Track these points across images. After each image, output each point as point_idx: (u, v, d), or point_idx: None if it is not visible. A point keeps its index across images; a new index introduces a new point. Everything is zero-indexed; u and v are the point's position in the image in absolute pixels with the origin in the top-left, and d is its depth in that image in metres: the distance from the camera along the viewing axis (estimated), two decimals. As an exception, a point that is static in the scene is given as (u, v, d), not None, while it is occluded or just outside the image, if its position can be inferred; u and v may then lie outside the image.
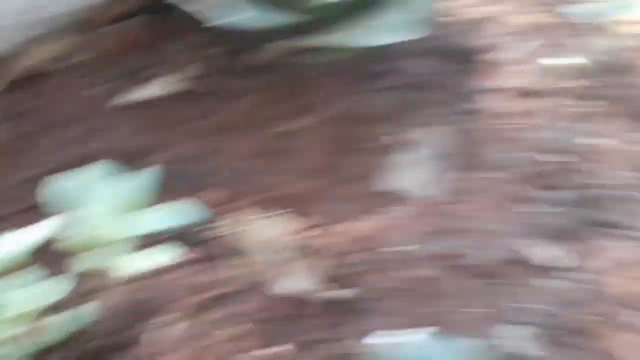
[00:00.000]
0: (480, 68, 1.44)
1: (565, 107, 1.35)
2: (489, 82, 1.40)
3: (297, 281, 1.01)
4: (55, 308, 0.91)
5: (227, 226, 1.10)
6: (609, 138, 1.30)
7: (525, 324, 0.97)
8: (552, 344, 0.95)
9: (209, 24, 1.26)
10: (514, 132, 1.29)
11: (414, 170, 1.23)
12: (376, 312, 0.98)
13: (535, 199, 1.17)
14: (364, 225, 1.12)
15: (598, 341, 0.95)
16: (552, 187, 1.19)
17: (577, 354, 0.94)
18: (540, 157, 1.24)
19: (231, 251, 1.06)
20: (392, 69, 1.42)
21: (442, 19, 1.55)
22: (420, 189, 1.20)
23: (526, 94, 1.37)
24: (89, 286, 0.96)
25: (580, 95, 1.38)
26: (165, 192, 1.02)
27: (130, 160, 1.14)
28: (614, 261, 1.07)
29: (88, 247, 0.92)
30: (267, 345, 0.94)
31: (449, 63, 1.45)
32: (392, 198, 1.18)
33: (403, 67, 1.42)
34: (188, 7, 1.28)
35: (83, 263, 0.93)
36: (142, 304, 0.99)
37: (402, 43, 1.40)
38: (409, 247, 1.08)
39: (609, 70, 1.44)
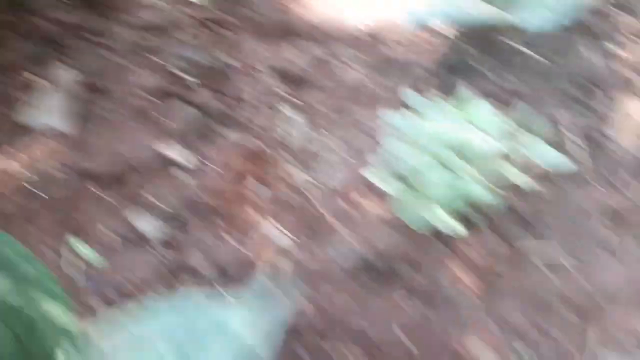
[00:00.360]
0: (114, 10, 1.53)
1: (197, 35, 1.51)
2: (120, 18, 1.51)
3: None
4: None
5: None
6: (237, 57, 1.49)
7: (158, 211, 1.13)
8: (184, 227, 1.12)
9: None
10: (149, 61, 1.42)
11: (52, 105, 1.30)
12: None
13: (170, 110, 1.32)
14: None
15: (235, 218, 1.16)
16: (186, 101, 1.35)
17: (213, 231, 1.13)
18: (177, 75, 1.39)
19: None
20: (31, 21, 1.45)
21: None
22: (57, 121, 1.28)
23: (158, 26, 1.51)
24: None
25: (210, 23, 1.55)
26: None
27: None
28: (229, 155, 1.27)
29: None
30: None
31: (90, 10, 1.53)
32: (31, 134, 1.23)
33: (41, 19, 1.46)
34: None
35: None
36: None
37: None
38: (51, 174, 1.16)
39: (231, 1, 1.63)
